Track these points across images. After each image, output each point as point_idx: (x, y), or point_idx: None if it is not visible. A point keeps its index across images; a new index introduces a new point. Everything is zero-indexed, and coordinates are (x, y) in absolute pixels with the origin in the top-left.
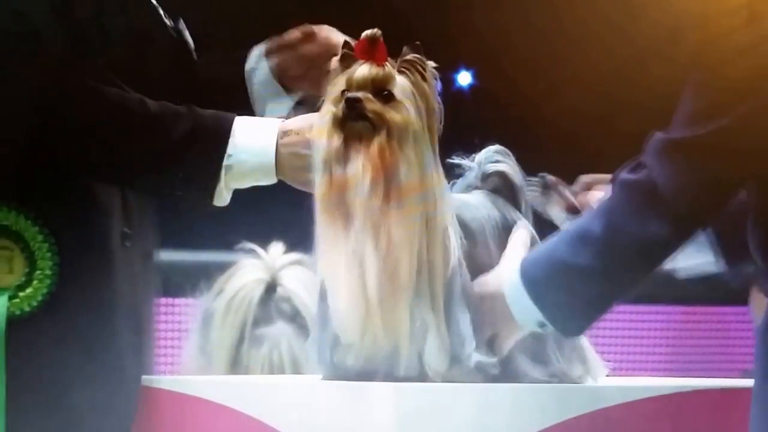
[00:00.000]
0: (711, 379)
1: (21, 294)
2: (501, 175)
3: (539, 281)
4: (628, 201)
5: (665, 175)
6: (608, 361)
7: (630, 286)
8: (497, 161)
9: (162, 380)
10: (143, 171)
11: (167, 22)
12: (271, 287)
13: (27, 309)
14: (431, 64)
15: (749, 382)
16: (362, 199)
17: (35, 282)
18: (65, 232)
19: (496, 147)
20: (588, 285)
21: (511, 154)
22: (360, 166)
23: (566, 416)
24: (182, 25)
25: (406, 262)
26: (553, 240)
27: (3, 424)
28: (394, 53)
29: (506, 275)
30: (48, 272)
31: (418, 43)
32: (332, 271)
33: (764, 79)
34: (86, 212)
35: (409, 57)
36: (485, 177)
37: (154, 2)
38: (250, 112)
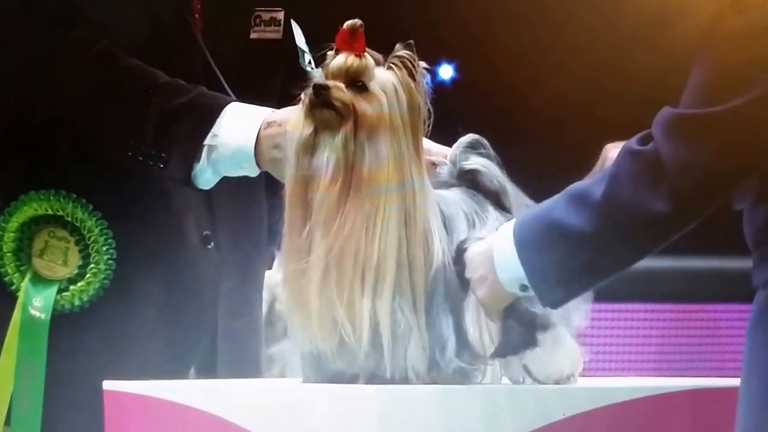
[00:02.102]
0: (702, 378)
1: (72, 287)
2: (476, 172)
3: (529, 241)
4: (632, 171)
5: (671, 149)
6: (600, 360)
7: (621, 261)
8: (470, 158)
9: (140, 385)
10: (136, 134)
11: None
12: (272, 306)
13: (77, 303)
14: (422, 64)
15: (731, 382)
16: (321, 192)
17: (88, 276)
18: (128, 226)
19: (469, 140)
20: (578, 250)
21: (485, 143)
22: (324, 158)
23: (553, 419)
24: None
25: (351, 254)
26: (551, 200)
27: (39, 415)
28: (378, 47)
29: (500, 232)
30: (102, 267)
31: (411, 41)
32: (286, 264)
33: None
34: (157, 210)
35: (399, 53)
36: (461, 175)
37: None
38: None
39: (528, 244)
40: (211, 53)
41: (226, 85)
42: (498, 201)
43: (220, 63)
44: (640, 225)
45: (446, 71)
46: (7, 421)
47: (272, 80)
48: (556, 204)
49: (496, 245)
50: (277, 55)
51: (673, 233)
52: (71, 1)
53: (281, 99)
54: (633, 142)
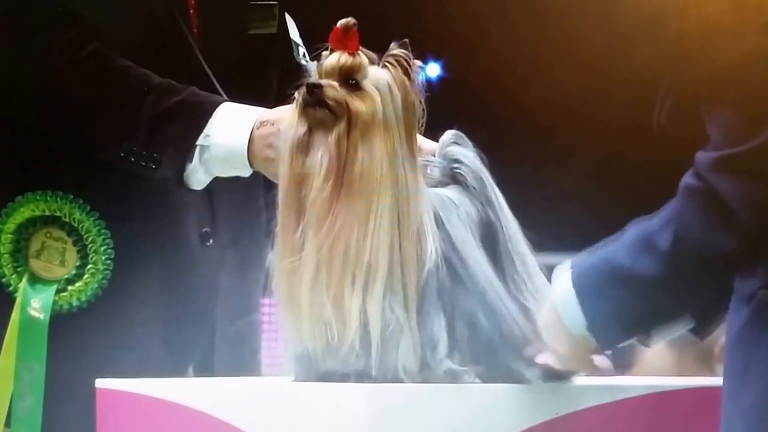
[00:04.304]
0: (698, 377)
1: (70, 288)
2: (463, 168)
3: (591, 288)
4: (697, 210)
5: (730, 188)
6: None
7: (686, 302)
8: (456, 154)
9: (131, 383)
10: (128, 135)
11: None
12: None
13: (75, 304)
14: (417, 63)
15: None
16: (315, 191)
17: (86, 276)
18: (127, 226)
19: (451, 137)
20: (644, 295)
21: (464, 138)
22: (318, 156)
23: (544, 417)
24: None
25: (341, 252)
26: (611, 247)
27: (39, 415)
28: (362, 44)
29: (558, 283)
30: (100, 267)
31: (406, 40)
32: (278, 263)
33: None
34: (155, 207)
35: (395, 52)
36: (450, 172)
37: None
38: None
39: (590, 291)
40: (206, 51)
41: (217, 85)
42: (485, 196)
43: (215, 61)
44: (708, 265)
45: (433, 69)
46: (8, 423)
47: (268, 79)
48: (618, 250)
49: (557, 296)
50: (273, 53)
51: (737, 268)
52: (62, 1)
53: (277, 97)
54: (691, 179)
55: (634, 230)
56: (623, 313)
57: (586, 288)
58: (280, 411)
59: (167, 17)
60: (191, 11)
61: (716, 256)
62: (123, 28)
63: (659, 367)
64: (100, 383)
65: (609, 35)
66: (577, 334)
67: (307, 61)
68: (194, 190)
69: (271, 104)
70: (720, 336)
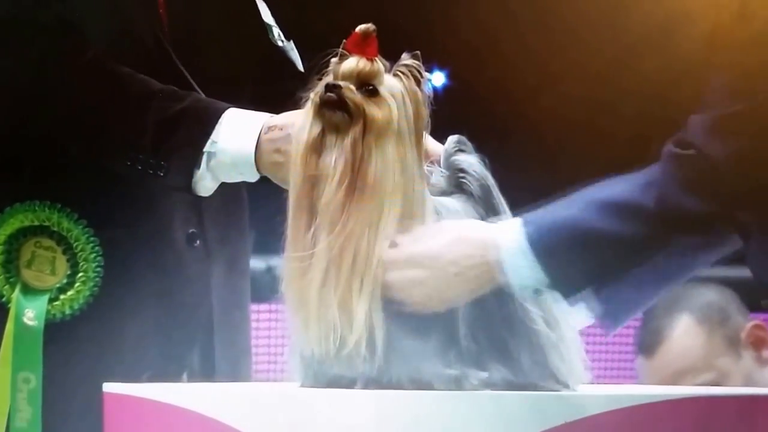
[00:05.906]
0: (705, 387)
1: (62, 297)
2: (466, 175)
3: (554, 247)
4: (682, 176)
5: (722, 149)
6: (595, 368)
7: (674, 268)
8: (460, 160)
9: (136, 387)
10: (133, 143)
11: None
12: None
13: (68, 312)
14: (426, 75)
15: (735, 390)
16: (328, 194)
17: (77, 285)
18: (114, 232)
19: (455, 144)
20: (624, 258)
21: (467, 143)
22: (332, 160)
23: (551, 425)
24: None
25: (350, 256)
26: (571, 207)
27: (38, 425)
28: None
29: (501, 241)
30: (91, 275)
31: (417, 51)
32: (288, 267)
33: None
34: (141, 212)
35: (407, 62)
36: (456, 183)
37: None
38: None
39: (552, 251)
40: (178, 52)
41: (196, 87)
42: (489, 204)
43: (187, 62)
44: (695, 228)
45: (440, 78)
46: None
47: (242, 80)
48: (586, 213)
49: (503, 252)
50: (247, 54)
51: (722, 234)
52: (56, 11)
53: (252, 98)
54: (673, 147)
55: (599, 195)
56: (594, 275)
57: (545, 247)
58: (288, 417)
59: (138, 18)
60: (161, 11)
61: (704, 220)
62: (96, 30)
63: (689, 344)
64: (108, 387)
65: (618, 46)
66: (524, 291)
67: (282, 42)
68: (179, 193)
69: (246, 105)
70: (745, 323)
